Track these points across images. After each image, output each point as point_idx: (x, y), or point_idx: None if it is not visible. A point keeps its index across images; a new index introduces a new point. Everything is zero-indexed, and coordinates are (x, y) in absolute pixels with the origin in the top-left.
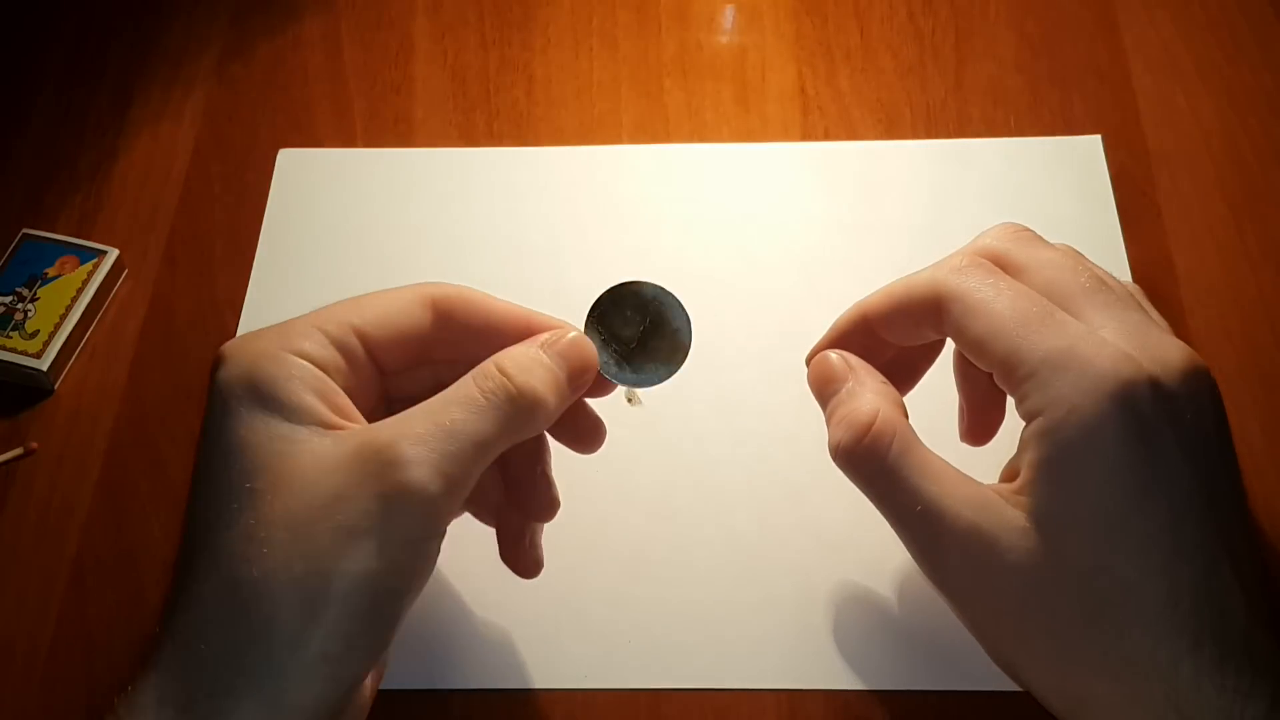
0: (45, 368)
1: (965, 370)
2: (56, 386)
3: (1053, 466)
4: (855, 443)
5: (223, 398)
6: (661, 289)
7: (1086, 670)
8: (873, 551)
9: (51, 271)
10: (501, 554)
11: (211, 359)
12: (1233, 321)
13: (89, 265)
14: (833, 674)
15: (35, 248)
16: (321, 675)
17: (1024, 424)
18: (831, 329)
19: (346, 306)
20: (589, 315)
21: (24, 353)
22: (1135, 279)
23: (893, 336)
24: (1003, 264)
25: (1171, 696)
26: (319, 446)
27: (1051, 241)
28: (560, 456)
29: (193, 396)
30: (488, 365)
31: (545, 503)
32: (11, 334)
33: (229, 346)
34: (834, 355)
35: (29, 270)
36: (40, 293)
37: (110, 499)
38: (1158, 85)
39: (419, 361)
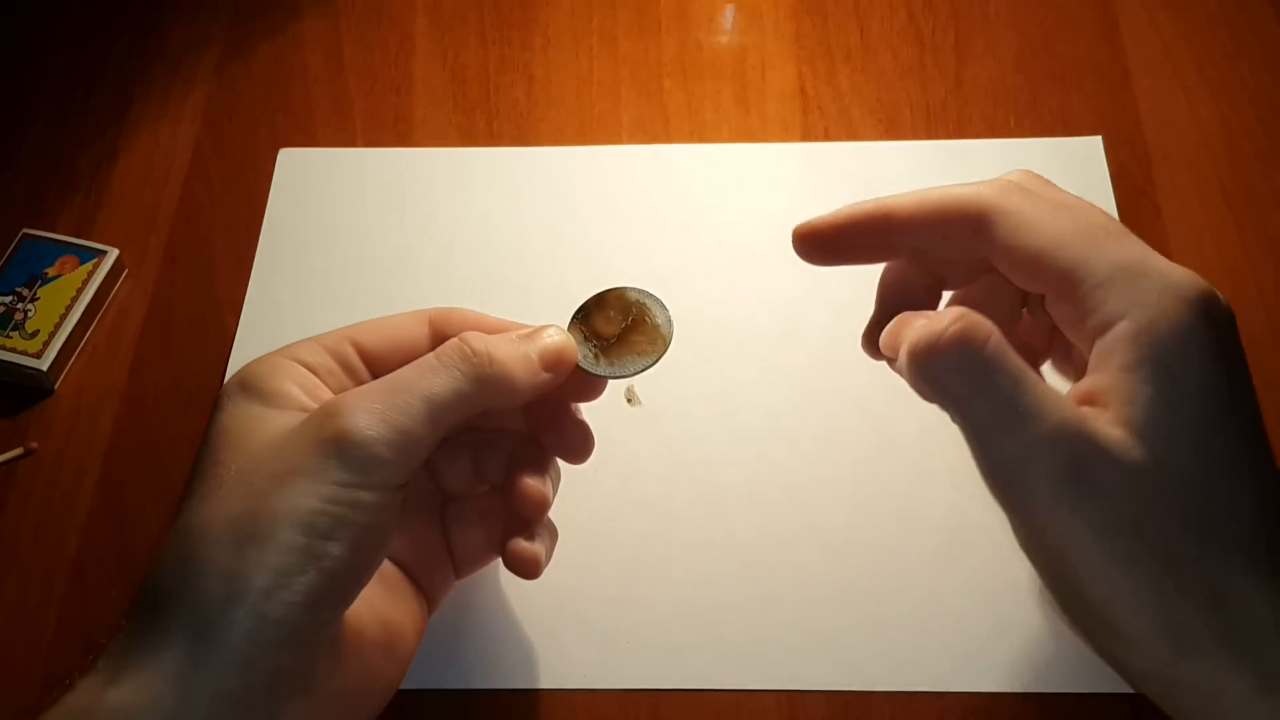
0: (45, 368)
1: (895, 279)
2: (56, 386)
3: (1151, 368)
4: (941, 333)
5: (219, 399)
6: (646, 292)
7: (1192, 593)
8: (873, 551)
9: (51, 271)
10: (504, 559)
11: (211, 359)
12: None
13: (89, 265)
14: (833, 674)
15: (35, 247)
16: (249, 610)
17: (1094, 338)
18: (844, 211)
19: (350, 326)
20: (573, 315)
21: (24, 353)
22: None
23: (914, 241)
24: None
25: (1274, 617)
26: (283, 420)
27: None
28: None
29: (192, 397)
30: (452, 340)
31: (578, 441)
32: (11, 334)
33: (245, 366)
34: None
35: (29, 270)
36: (40, 293)
37: (110, 499)
38: (1158, 85)
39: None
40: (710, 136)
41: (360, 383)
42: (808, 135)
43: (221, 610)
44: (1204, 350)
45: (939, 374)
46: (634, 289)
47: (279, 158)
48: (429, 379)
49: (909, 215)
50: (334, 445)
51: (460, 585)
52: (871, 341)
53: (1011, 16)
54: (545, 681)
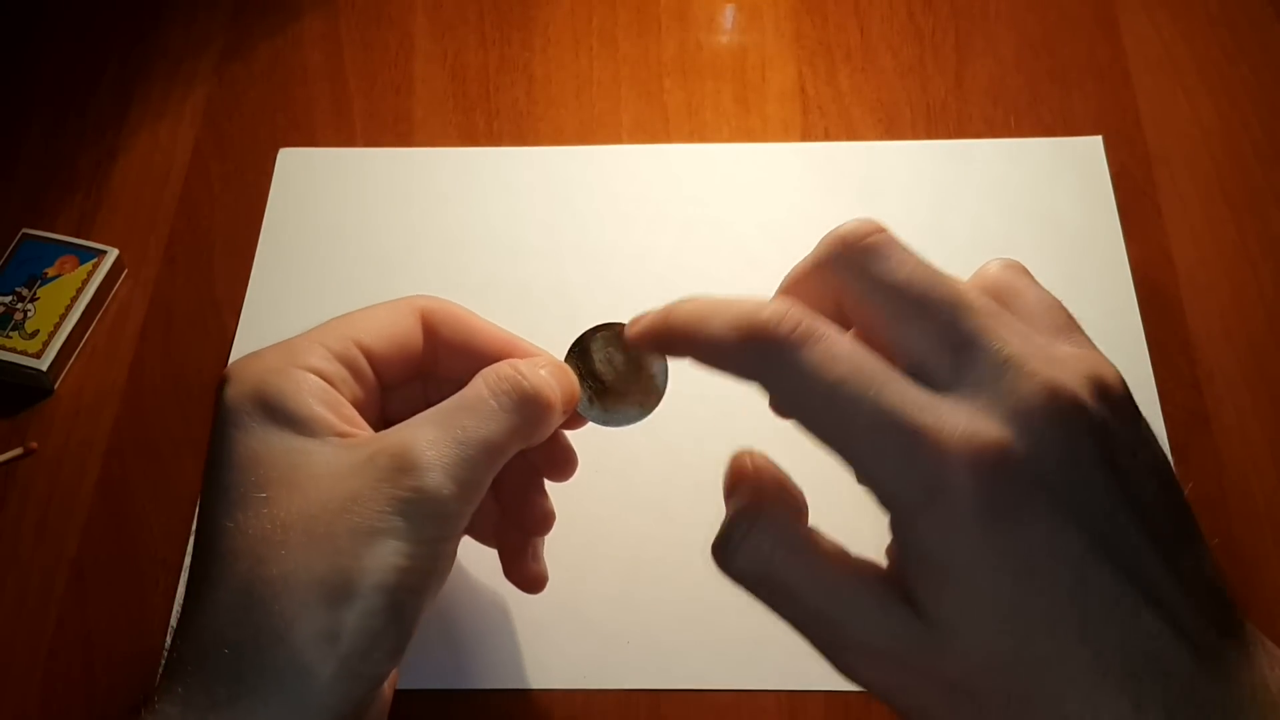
0: (45, 368)
1: None
2: (56, 386)
3: (916, 565)
4: (742, 571)
5: (232, 413)
6: None
7: None
8: (872, 552)
9: (51, 271)
10: (505, 572)
11: (211, 359)
12: (1233, 321)
13: (89, 265)
14: (833, 675)
15: (35, 247)
16: (348, 673)
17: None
18: (657, 319)
19: (343, 321)
20: (570, 349)
21: (24, 353)
22: (1136, 279)
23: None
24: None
25: None
26: (331, 454)
27: (1054, 243)
28: None
29: (192, 397)
30: (500, 365)
31: (540, 516)
32: (11, 334)
33: (234, 366)
34: (746, 457)
35: (29, 270)
36: (40, 292)
37: (110, 499)
38: (1158, 85)
39: (414, 374)
40: (710, 136)
41: (367, 388)
42: (808, 135)
43: (317, 673)
44: (974, 526)
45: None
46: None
47: (279, 158)
48: (489, 425)
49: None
50: (414, 505)
51: (459, 586)
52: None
53: (1012, 16)
54: (546, 681)
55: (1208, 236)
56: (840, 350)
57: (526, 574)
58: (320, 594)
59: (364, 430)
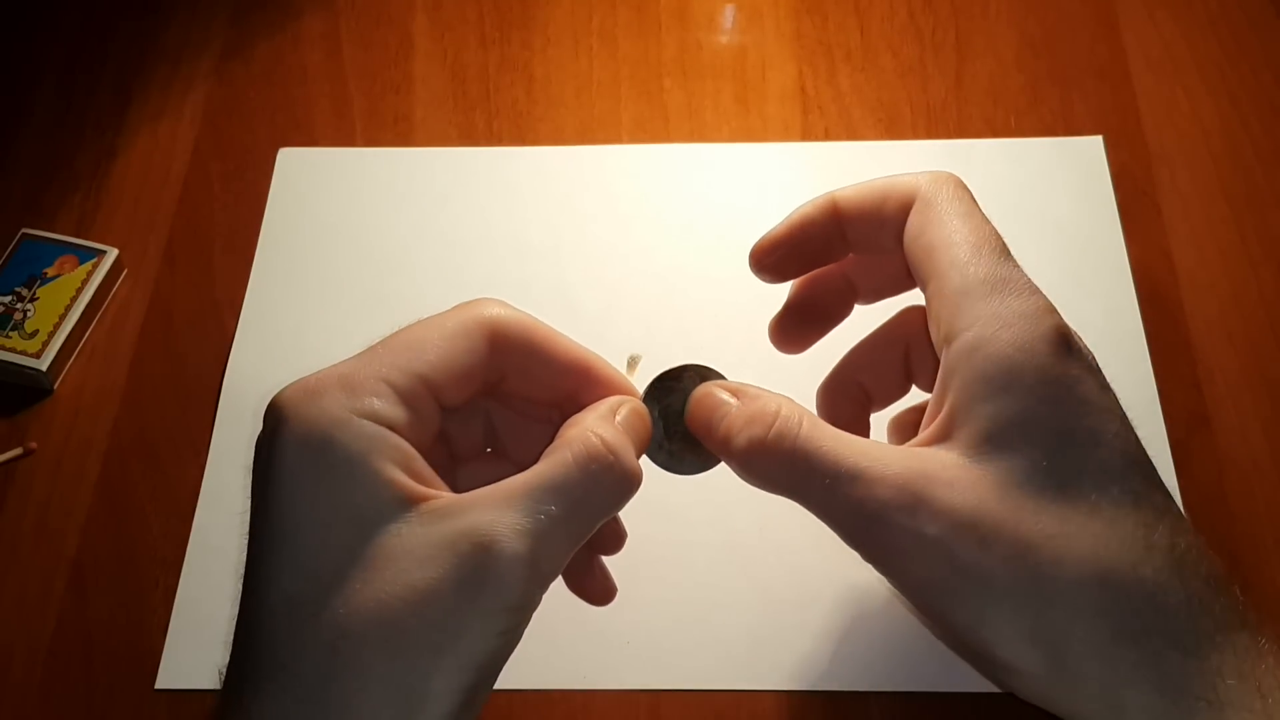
0: (45, 368)
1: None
2: (56, 386)
3: (988, 384)
4: (765, 432)
5: (290, 468)
6: (716, 374)
7: (1058, 608)
8: None
9: (51, 271)
10: (570, 585)
11: (210, 359)
12: (1233, 321)
13: (88, 265)
14: (832, 674)
15: (34, 247)
16: None
17: (943, 351)
18: (797, 212)
19: (405, 348)
20: (650, 387)
21: (23, 352)
22: (1136, 279)
23: (855, 234)
24: None
25: (1164, 617)
26: (408, 531)
27: (1054, 243)
28: None
29: (192, 397)
30: (593, 444)
31: (610, 535)
32: (11, 334)
33: (288, 403)
34: (716, 390)
35: (28, 270)
36: (40, 292)
37: (110, 499)
38: (1158, 85)
39: (477, 394)
40: (710, 136)
41: (432, 426)
42: (808, 135)
43: None
44: (1053, 356)
45: (768, 468)
46: (716, 372)
47: (279, 157)
48: (577, 514)
49: (853, 202)
50: (497, 600)
51: None
52: (781, 331)
53: (1012, 16)
54: (545, 681)
55: (1208, 236)
56: None
57: (594, 588)
58: (398, 699)
59: (437, 486)
